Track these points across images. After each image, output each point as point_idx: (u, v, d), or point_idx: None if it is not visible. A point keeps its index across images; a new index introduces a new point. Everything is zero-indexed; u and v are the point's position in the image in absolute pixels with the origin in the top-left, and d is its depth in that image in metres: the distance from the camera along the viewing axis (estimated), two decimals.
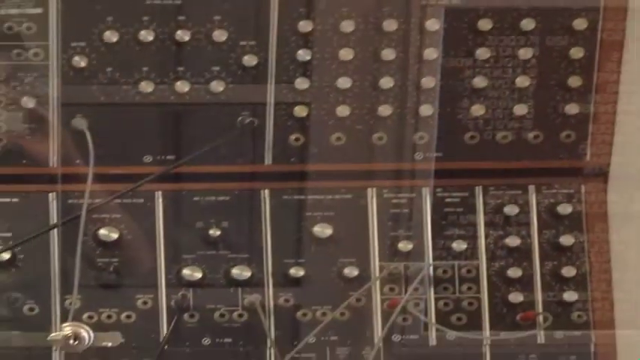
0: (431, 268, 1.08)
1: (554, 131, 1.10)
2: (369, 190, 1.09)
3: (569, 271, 1.08)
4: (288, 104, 1.06)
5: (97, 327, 1.00)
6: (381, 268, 1.08)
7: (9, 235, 1.03)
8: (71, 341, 0.93)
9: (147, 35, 1.00)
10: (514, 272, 1.07)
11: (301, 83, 1.04)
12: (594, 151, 1.11)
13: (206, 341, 1.05)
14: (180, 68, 1.03)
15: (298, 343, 1.05)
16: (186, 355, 1.06)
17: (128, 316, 1.04)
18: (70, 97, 1.03)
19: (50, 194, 1.05)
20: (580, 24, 1.05)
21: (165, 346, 1.04)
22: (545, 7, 1.06)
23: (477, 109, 1.07)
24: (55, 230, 1.04)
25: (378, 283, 1.08)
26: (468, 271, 1.08)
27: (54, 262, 1.05)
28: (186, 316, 1.05)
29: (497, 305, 1.09)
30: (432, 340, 1.08)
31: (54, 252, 1.05)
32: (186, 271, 1.05)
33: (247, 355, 1.07)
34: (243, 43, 1.03)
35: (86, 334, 0.93)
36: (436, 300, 1.08)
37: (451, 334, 1.06)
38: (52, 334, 0.94)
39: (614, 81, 1.09)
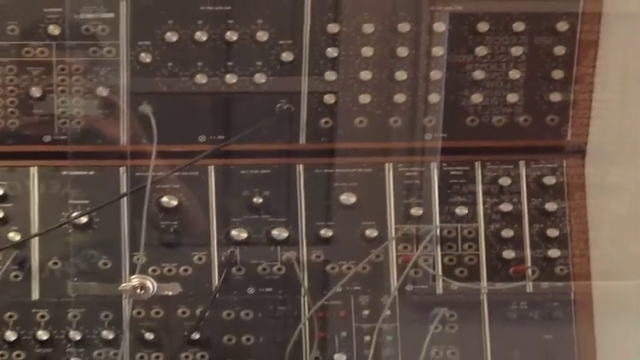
0: (438, 230, 1.18)
1: (540, 115, 1.19)
2: (387, 164, 1.19)
3: (552, 232, 1.17)
4: (319, 93, 1.15)
5: (160, 279, 1.09)
6: (397, 230, 1.17)
7: (86, 202, 1.13)
8: (138, 291, 1.03)
9: (201, 36, 1.10)
10: (507, 233, 1.16)
11: (330, 75, 1.14)
12: (574, 132, 1.20)
13: (250, 291, 1.15)
14: (229, 63, 1.13)
15: (327, 292, 1.15)
16: (233, 302, 1.14)
17: (185, 270, 1.14)
18: (137, 87, 1.13)
19: (120, 168, 1.15)
20: (562, 26, 1.14)
21: (217, 295, 1.13)
22: (532, 12, 1.15)
23: (476, 97, 1.16)
24: (125, 198, 1.14)
25: (393, 242, 1.17)
26: (469, 232, 1.17)
27: (124, 225, 1.15)
28: (234, 269, 1.15)
29: (493, 261, 1.18)
30: (439, 290, 1.17)
31: (124, 216, 1.15)
32: (234, 232, 1.14)
33: (285, 303, 1.16)
34: (281, 42, 1.13)
35: (151, 284, 1.03)
36: (442, 256, 1.18)
37: (455, 285, 1.16)
38: (123, 285, 1.05)
39: (590, 74, 1.18)
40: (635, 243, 1.16)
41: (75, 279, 1.14)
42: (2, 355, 1.12)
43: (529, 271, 1.19)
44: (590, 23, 1.17)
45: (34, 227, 1.14)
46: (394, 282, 1.18)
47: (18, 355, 1.12)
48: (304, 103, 1.17)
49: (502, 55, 1.17)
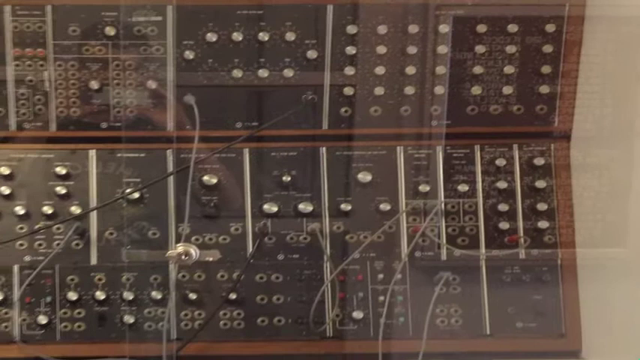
0: (442, 204, 1.27)
1: (531, 105, 1.29)
2: (398, 147, 1.29)
3: (542, 206, 1.27)
4: (339, 86, 1.25)
5: (202, 246, 1.21)
6: (407, 204, 1.27)
7: (138, 180, 1.23)
8: (183, 257, 1.14)
9: (237, 36, 1.20)
10: (502, 207, 1.26)
11: (349, 70, 1.24)
12: (560, 119, 1.31)
13: (280, 257, 1.25)
14: (262, 60, 1.23)
15: (346, 258, 1.25)
16: (265, 267, 1.24)
17: (224, 239, 1.24)
18: (182, 81, 1.23)
19: (167, 151, 1.25)
20: (550, 28, 1.25)
21: (251, 261, 1.23)
22: (524, 16, 1.25)
23: (476, 90, 1.27)
24: (171, 177, 1.23)
25: (404, 215, 1.27)
26: (469, 207, 1.27)
27: (170, 200, 1.25)
28: (265, 239, 1.25)
29: (490, 231, 1.28)
30: (443, 256, 1.27)
31: (170, 193, 1.24)
32: (266, 206, 1.24)
33: (310, 267, 1.26)
34: (307, 41, 1.23)
35: (194, 251, 1.14)
36: (446, 227, 1.28)
37: (457, 252, 1.26)
38: (169, 252, 1.15)
39: (575, 69, 1.28)
40: (613, 215, 1.24)
41: (128, 247, 1.23)
42: (65, 313, 1.21)
43: (521, 240, 1.28)
44: (575, 25, 1.27)
45: (93, 202, 1.24)
46: (404, 249, 1.27)
47: (79, 313, 1.21)
48: (326, 94, 1.26)
49: (498, 53, 1.27)
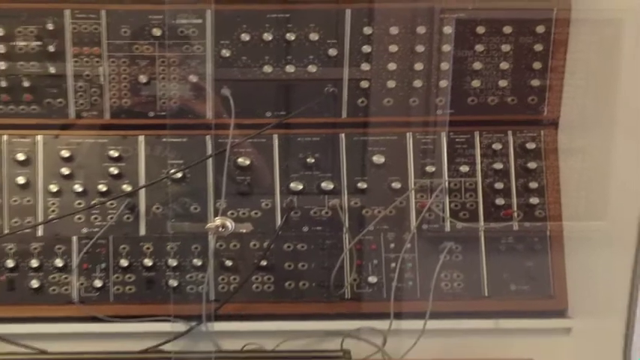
0: (446, 183, 1.36)
1: (524, 97, 1.38)
2: (407, 134, 1.37)
3: (533, 185, 1.36)
4: (357, 80, 1.34)
5: (236, 220, 1.30)
6: (415, 183, 1.36)
7: (181, 162, 1.32)
8: (220, 229, 1.22)
9: (267, 36, 1.29)
10: (498, 185, 1.35)
11: (365, 66, 1.33)
12: (549, 109, 1.38)
13: (305, 229, 1.34)
14: (289, 57, 1.32)
15: (363, 230, 1.34)
16: (292, 237, 1.34)
17: (256, 213, 1.33)
18: (219, 75, 1.32)
19: (206, 136, 1.34)
20: (540, 29, 1.33)
21: (279, 232, 1.32)
22: (518, 19, 1.34)
23: (475, 83, 1.35)
24: (210, 159, 1.32)
25: (413, 192, 1.36)
26: (470, 185, 1.36)
27: (209, 179, 1.33)
28: (292, 213, 1.34)
29: (488, 206, 1.37)
30: (447, 228, 1.36)
31: (209, 173, 1.33)
32: (292, 185, 1.33)
33: (330, 238, 1.35)
34: (328, 41, 1.32)
35: (229, 224, 1.23)
36: (449, 203, 1.37)
37: (459, 225, 1.35)
38: (208, 224, 1.25)
39: (562, 65, 1.36)
40: (595, 192, 1.33)
41: (172, 220, 1.33)
42: (117, 277, 1.30)
43: (515, 214, 1.37)
44: (562, 27, 1.35)
45: (141, 181, 1.33)
46: (413, 222, 1.36)
47: (129, 278, 1.31)
48: (345, 87, 1.35)
49: (495, 51, 1.35)
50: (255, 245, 1.33)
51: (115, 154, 1.32)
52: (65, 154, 1.31)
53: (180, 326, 1.30)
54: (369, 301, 1.35)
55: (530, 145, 1.38)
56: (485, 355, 1.33)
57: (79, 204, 1.31)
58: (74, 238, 1.32)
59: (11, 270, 1.31)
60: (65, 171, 1.31)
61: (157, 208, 1.33)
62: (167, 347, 1.32)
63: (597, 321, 1.35)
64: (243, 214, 1.33)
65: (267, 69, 1.31)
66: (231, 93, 1.32)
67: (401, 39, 1.33)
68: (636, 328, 1.26)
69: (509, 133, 1.39)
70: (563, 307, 1.39)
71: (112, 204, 1.32)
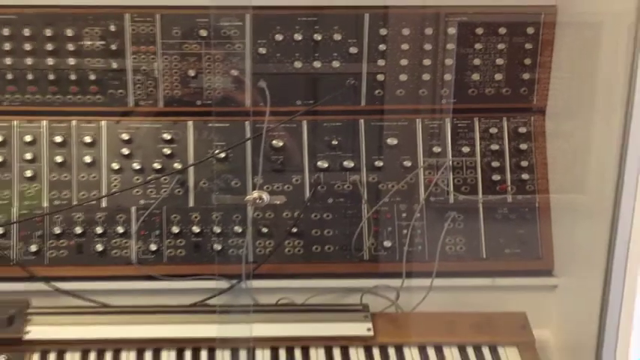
0: (450, 162, 1.47)
1: (516, 88, 1.49)
2: (417, 119, 1.49)
3: (524, 163, 1.48)
4: (374, 73, 1.46)
5: (271, 193, 1.41)
6: (424, 162, 1.47)
7: (224, 143, 1.44)
8: (257, 200, 1.34)
9: (298, 36, 1.41)
10: (495, 164, 1.47)
11: (381, 62, 1.44)
12: (538, 98, 1.50)
13: (329, 200, 1.46)
14: (316, 54, 1.44)
15: (379, 202, 1.46)
16: (319, 208, 1.46)
17: (288, 187, 1.45)
18: (256, 70, 1.44)
19: (246, 122, 1.46)
20: (530, 30, 1.45)
21: (308, 203, 1.44)
22: (511, 21, 1.46)
23: (475, 76, 1.47)
24: (249, 141, 1.44)
25: (421, 169, 1.47)
26: (470, 163, 1.47)
27: (248, 158, 1.45)
28: (319, 187, 1.45)
29: (486, 181, 1.49)
30: (451, 200, 1.48)
31: (248, 153, 1.45)
32: (319, 163, 1.45)
33: (351, 208, 1.46)
34: (349, 40, 1.44)
35: (265, 196, 1.34)
36: (453, 179, 1.48)
37: (461, 197, 1.46)
38: (247, 197, 1.36)
39: (549, 61, 1.48)
40: (576, 170, 1.42)
41: (216, 193, 1.44)
42: (170, 242, 1.42)
43: (509, 188, 1.49)
44: (549, 29, 1.47)
45: (190, 159, 1.45)
46: (422, 195, 1.48)
47: (180, 242, 1.43)
48: (364, 80, 1.46)
49: (491, 49, 1.47)
50: (287, 215, 1.45)
51: (167, 136, 1.44)
52: (125, 136, 1.44)
53: (223, 284, 1.41)
54: (384, 262, 1.47)
55: (522, 130, 1.50)
56: (483, 308, 1.43)
57: (137, 179, 1.44)
58: (133, 209, 1.44)
59: (79, 236, 1.43)
60: (125, 151, 1.44)
61: (204, 183, 1.44)
62: (212, 302, 1.43)
63: (579, 279, 1.43)
64: (277, 188, 1.45)
65: (298, 64, 1.43)
66: (266, 85, 1.44)
67: (411, 39, 1.45)
68: (612, 285, 1.29)
69: (504, 119, 1.51)
70: (549, 268, 1.50)
71: (165, 179, 1.44)
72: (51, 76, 1.44)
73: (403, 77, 1.47)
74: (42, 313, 1.39)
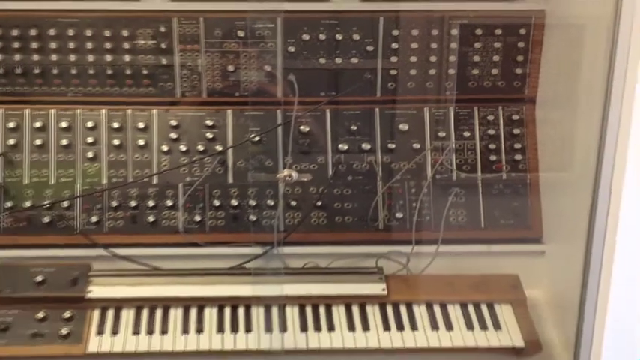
0: (453, 145, 1.57)
1: (510, 81, 1.58)
2: (425, 108, 1.58)
3: (517, 145, 1.58)
4: (388, 69, 1.56)
5: (299, 171, 1.52)
6: (431, 144, 1.57)
7: (258, 129, 1.54)
8: (287, 178, 1.44)
9: (322, 36, 1.52)
10: (492, 146, 1.57)
11: (394, 59, 1.54)
12: (529, 90, 1.59)
13: (349, 178, 1.56)
14: (337, 52, 1.54)
15: (392, 179, 1.55)
16: (340, 184, 1.55)
17: (313, 167, 1.55)
18: (286, 65, 1.55)
19: (277, 110, 1.56)
20: (522, 31, 1.55)
21: (331, 180, 1.54)
22: (506, 23, 1.54)
23: (475, 71, 1.57)
24: (280, 127, 1.54)
25: (429, 151, 1.57)
26: (471, 146, 1.57)
27: (279, 141, 1.55)
28: (340, 166, 1.55)
29: (484, 161, 1.58)
30: (454, 178, 1.57)
31: (279, 137, 1.55)
32: (340, 146, 1.55)
33: (368, 185, 1.55)
34: (366, 40, 1.54)
35: (294, 174, 1.45)
36: (455, 159, 1.58)
37: (463, 175, 1.57)
38: (278, 175, 1.47)
39: (538, 58, 1.57)
40: (562, 152, 1.48)
41: (252, 171, 1.54)
42: (211, 214, 1.53)
43: (504, 167, 1.58)
44: (538, 30, 1.56)
45: (229, 143, 1.55)
46: (429, 173, 1.58)
47: (220, 214, 1.54)
48: (379, 74, 1.56)
49: (489, 47, 1.56)
50: (312, 190, 1.55)
51: (209, 123, 1.56)
52: (173, 123, 1.56)
53: (257, 250, 1.51)
54: (397, 231, 1.56)
55: (515, 117, 1.60)
56: (481, 271, 1.52)
57: (183, 160, 1.55)
58: (180, 185, 1.55)
59: (134, 209, 1.54)
60: (173, 135, 1.55)
61: (241, 163, 1.55)
62: (248, 265, 1.52)
63: (564, 246, 1.50)
64: (304, 167, 1.56)
65: (322, 60, 1.54)
66: (295, 78, 1.54)
67: (420, 39, 1.55)
68: (593, 250, 1.34)
69: (500, 107, 1.60)
70: (539, 236, 1.58)
71: (207, 160, 1.55)
72: (109, 71, 1.54)
73: (413, 72, 1.56)
74: (101, 275, 1.48)
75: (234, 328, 1.44)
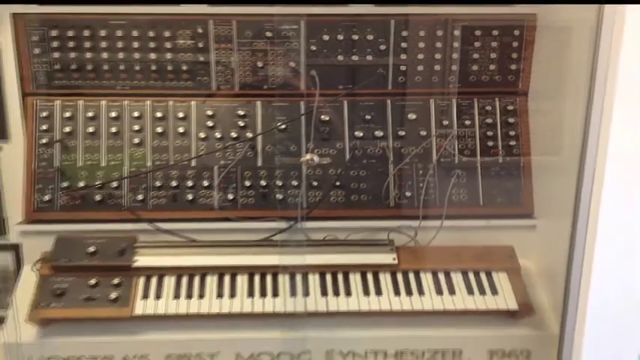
0: (455, 132, 1.64)
1: (506, 76, 1.65)
2: (431, 100, 1.66)
3: (512, 133, 1.65)
4: (398, 65, 1.63)
5: (320, 155, 1.60)
6: (436, 131, 1.64)
7: (284, 118, 1.62)
8: (309, 161, 1.52)
9: (340, 37, 1.60)
10: (489, 133, 1.64)
11: (403, 56, 1.61)
12: (522, 84, 1.66)
13: (364, 161, 1.61)
14: (354, 50, 1.61)
15: (401, 162, 1.62)
16: (356, 167, 1.62)
17: (333, 151, 1.62)
18: (309, 62, 1.62)
19: (301, 102, 1.63)
20: (516, 32, 1.62)
21: (348, 163, 1.61)
22: (502, 25, 1.61)
23: (474, 67, 1.64)
24: (303, 116, 1.61)
25: (434, 138, 1.63)
26: (471, 133, 1.64)
27: (302, 129, 1.62)
28: (356, 151, 1.62)
29: (483, 146, 1.64)
30: (456, 161, 1.64)
31: (302, 125, 1.62)
32: (356, 132, 1.63)
33: (381, 166, 1.61)
34: (379, 40, 1.62)
35: (315, 158, 1.54)
36: (458, 144, 1.65)
37: (464, 158, 1.63)
38: (302, 158, 1.55)
39: (530, 56, 1.63)
40: (552, 138, 1.54)
41: (279, 155, 1.62)
42: (243, 193, 1.60)
43: (500, 152, 1.65)
44: (530, 31, 1.63)
45: (258, 130, 1.63)
46: (434, 157, 1.65)
47: (250, 192, 1.61)
48: (390, 70, 1.63)
49: (487, 46, 1.64)
50: (332, 172, 1.63)
51: (241, 113, 1.64)
52: (209, 113, 1.65)
53: (283, 224, 1.59)
54: (406, 208, 1.63)
55: (510, 107, 1.67)
56: (480, 243, 1.60)
57: (218, 145, 1.64)
58: (215, 167, 1.63)
59: (174, 188, 1.62)
60: (209, 124, 1.64)
61: (269, 148, 1.63)
62: (275, 238, 1.60)
63: (553, 221, 1.55)
64: (324, 151, 1.64)
65: (340, 58, 1.62)
66: (316, 73, 1.61)
67: (426, 39, 1.63)
68: (578, 225, 1.35)
69: (496, 99, 1.67)
70: (531, 212, 1.65)
71: (239, 145, 1.63)
72: (153, 67, 1.63)
73: (420, 68, 1.64)
74: (146, 247, 1.55)
75: (263, 293, 1.51)
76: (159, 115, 1.65)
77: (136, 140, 1.64)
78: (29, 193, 1.64)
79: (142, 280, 1.53)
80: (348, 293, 1.52)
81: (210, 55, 1.63)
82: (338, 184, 1.63)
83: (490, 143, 1.66)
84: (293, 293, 1.51)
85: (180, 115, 1.65)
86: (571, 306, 1.42)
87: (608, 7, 1.24)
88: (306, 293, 1.51)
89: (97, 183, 1.62)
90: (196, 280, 1.54)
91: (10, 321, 1.51)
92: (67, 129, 1.65)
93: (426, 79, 1.65)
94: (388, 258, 1.55)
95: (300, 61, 1.62)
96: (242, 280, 1.54)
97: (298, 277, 1.53)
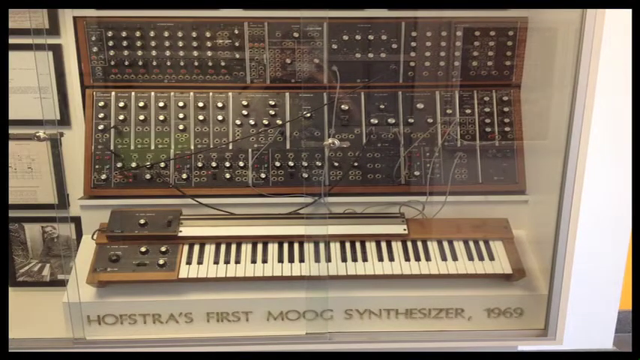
0: (458, 119, 1.70)
1: (502, 71, 1.72)
2: (436, 91, 1.72)
3: (507, 120, 1.70)
4: (408, 61, 1.70)
5: (340, 139, 1.66)
6: (441, 119, 1.70)
7: (309, 107, 1.68)
8: (331, 144, 1.57)
9: (357, 37, 1.67)
10: (487, 120, 1.70)
11: (412, 54, 1.67)
12: (515, 77, 1.72)
13: (379, 145, 1.68)
14: (370, 48, 1.68)
15: (411, 146, 1.67)
16: (372, 149, 1.68)
17: (351, 136, 1.69)
18: (331, 59, 1.68)
19: (324, 93, 1.69)
20: (510, 32, 1.69)
21: (365, 146, 1.67)
22: (498, 27, 1.67)
23: (474, 63, 1.70)
24: (325, 106, 1.68)
25: (439, 125, 1.70)
26: (471, 121, 1.71)
27: (325, 116, 1.68)
28: (372, 136, 1.68)
29: (481, 132, 1.71)
30: (458, 144, 1.70)
31: (325, 113, 1.69)
32: (372, 120, 1.69)
33: (393, 150, 1.68)
34: (392, 39, 1.68)
35: (336, 141, 1.59)
36: (460, 130, 1.71)
37: (465, 142, 1.70)
38: (325, 142, 1.62)
39: (523, 53, 1.69)
40: (541, 124, 1.61)
41: (304, 140, 1.69)
42: (273, 172, 1.67)
43: (497, 136, 1.71)
44: (523, 32, 1.70)
45: (287, 117, 1.70)
46: (439, 141, 1.72)
47: (280, 172, 1.69)
48: (401, 65, 1.70)
49: (485, 45, 1.70)
50: (350, 154, 1.70)
51: (272, 103, 1.72)
52: (244, 103, 1.72)
53: (308, 199, 1.67)
54: (415, 185, 1.71)
55: (505, 98, 1.74)
56: (479, 215, 1.67)
57: (252, 131, 1.71)
58: (249, 150, 1.71)
59: (214, 168, 1.69)
60: (244, 112, 1.71)
61: (296, 133, 1.71)
62: (301, 211, 1.67)
63: (542, 196, 1.62)
64: (344, 136, 1.71)
65: (358, 55, 1.69)
66: (337, 69, 1.68)
67: (432, 38, 1.70)
68: (564, 200, 1.43)
69: (493, 91, 1.74)
70: (523, 189, 1.72)
71: (271, 131, 1.71)
72: (195, 63, 1.70)
73: (427, 64, 1.71)
74: (190, 219, 1.62)
75: (291, 259, 1.58)
76: (200, 104, 1.71)
77: (181, 127, 1.71)
78: (88, 173, 1.70)
79: (186, 248, 1.59)
80: (365, 259, 1.58)
81: (245, 53, 1.69)
82: (356, 164, 1.69)
83: (488, 129, 1.73)
84: (317, 259, 1.56)
85: (219, 104, 1.71)
86: (558, 270, 1.50)
87: (589, 11, 1.31)
88: (328, 259, 1.57)
89: (147, 164, 1.68)
90: (233, 247, 1.60)
91: (72, 283, 1.56)
92: (121, 117, 1.71)
93: (432, 74, 1.71)
94: (399, 229, 1.62)
95: (323, 58, 1.69)
96: (273, 248, 1.60)
97: (321, 245, 1.59)
